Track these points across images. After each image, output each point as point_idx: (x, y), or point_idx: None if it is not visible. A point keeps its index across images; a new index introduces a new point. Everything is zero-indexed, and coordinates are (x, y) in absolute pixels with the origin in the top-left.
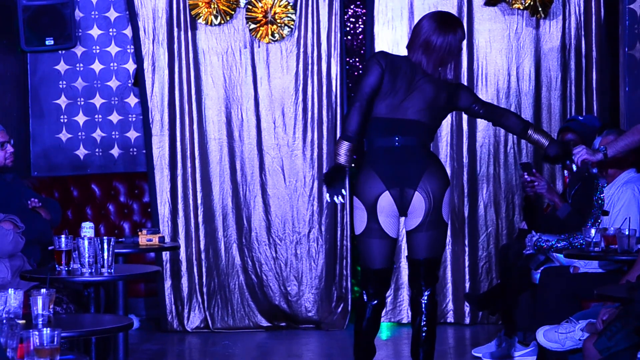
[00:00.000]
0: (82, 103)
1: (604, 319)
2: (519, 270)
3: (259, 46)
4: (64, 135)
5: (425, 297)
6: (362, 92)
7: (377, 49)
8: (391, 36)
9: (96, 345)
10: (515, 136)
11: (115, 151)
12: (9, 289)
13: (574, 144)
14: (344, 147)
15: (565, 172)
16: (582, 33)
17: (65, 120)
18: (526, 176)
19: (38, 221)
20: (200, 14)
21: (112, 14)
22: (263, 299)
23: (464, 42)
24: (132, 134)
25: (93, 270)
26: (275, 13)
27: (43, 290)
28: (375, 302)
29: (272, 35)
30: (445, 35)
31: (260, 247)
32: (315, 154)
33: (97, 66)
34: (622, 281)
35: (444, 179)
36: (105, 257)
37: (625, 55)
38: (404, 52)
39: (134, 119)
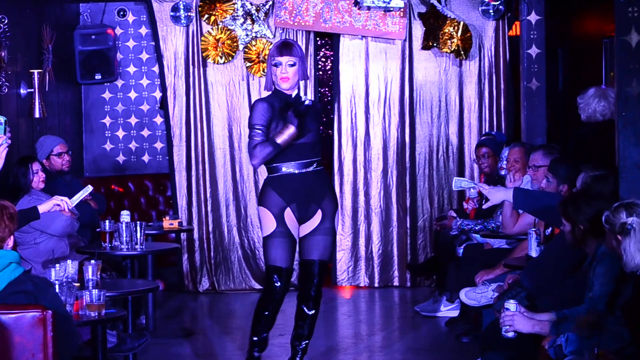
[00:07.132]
0: (122, 122)
1: (510, 283)
2: (447, 246)
3: (253, 79)
4: (107, 146)
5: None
6: None
7: (341, 82)
8: (352, 72)
9: (132, 302)
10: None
11: (146, 157)
12: (68, 260)
13: (488, 155)
14: None
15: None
16: (494, 70)
17: (109, 135)
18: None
19: (89, 210)
20: (209, 56)
21: (144, 56)
22: (256, 268)
23: (406, 76)
24: (158, 145)
25: (129, 247)
26: (265, 55)
27: (92, 261)
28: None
29: (263, 71)
30: None
31: (254, 229)
32: None
33: (132, 94)
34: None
35: None
36: (139, 236)
37: (524, 87)
38: (363, 83)
39: (160, 134)
